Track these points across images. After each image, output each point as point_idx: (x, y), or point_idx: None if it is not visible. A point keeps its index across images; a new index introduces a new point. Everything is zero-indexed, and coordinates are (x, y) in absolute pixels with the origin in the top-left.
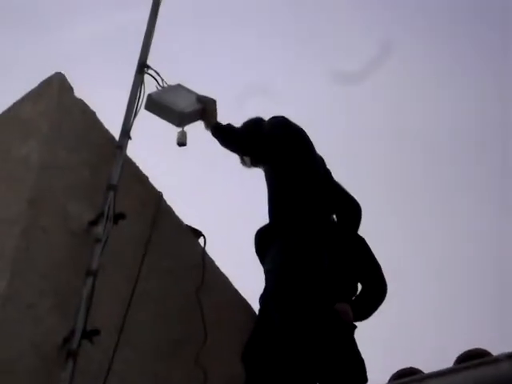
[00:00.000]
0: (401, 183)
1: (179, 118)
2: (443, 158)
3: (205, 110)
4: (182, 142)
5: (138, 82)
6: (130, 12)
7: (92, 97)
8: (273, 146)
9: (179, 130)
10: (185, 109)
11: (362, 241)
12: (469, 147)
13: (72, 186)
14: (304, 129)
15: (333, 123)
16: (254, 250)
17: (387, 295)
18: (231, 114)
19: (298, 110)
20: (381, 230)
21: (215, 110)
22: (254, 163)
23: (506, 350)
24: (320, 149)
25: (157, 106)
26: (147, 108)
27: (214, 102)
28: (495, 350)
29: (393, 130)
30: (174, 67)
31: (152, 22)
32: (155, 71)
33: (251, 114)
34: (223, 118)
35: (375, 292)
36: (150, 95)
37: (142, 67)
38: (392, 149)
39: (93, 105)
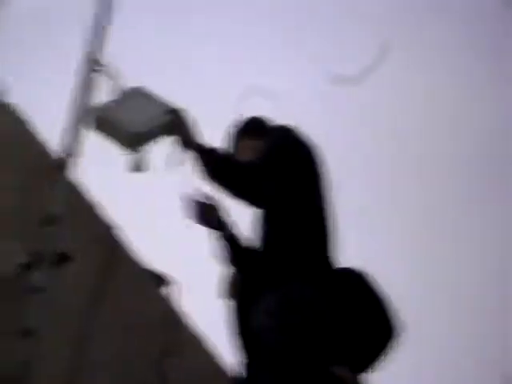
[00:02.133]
0: (401, 184)
1: (131, 141)
2: (443, 160)
3: (179, 123)
4: (137, 168)
5: (83, 82)
6: None
7: (24, 99)
8: (267, 185)
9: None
10: (139, 127)
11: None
12: (468, 148)
13: None
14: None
15: (332, 124)
16: None
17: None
18: (230, 114)
19: (297, 112)
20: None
21: (195, 128)
22: None
23: None
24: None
25: (102, 123)
26: (91, 126)
27: (187, 114)
28: None
29: (392, 130)
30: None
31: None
32: (108, 68)
33: (250, 114)
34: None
35: (380, 335)
36: (93, 109)
37: (90, 63)
38: (392, 149)
39: (26, 110)
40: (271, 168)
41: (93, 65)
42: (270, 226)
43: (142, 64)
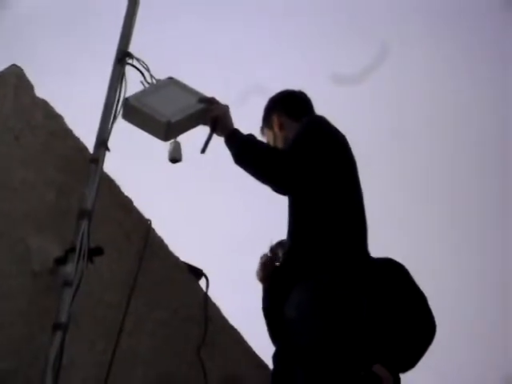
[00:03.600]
0: (401, 183)
1: (165, 131)
2: (443, 160)
3: (213, 113)
4: (175, 158)
5: (116, 76)
6: None
7: (56, 95)
8: (297, 172)
9: (171, 142)
10: (172, 117)
11: (399, 270)
12: (468, 148)
13: (32, 213)
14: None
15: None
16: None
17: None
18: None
19: None
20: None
21: (228, 114)
22: None
23: None
24: None
25: (137, 114)
26: (125, 117)
27: (225, 105)
28: None
29: (392, 130)
30: (159, 60)
31: None
32: (140, 61)
33: (251, 113)
34: None
35: (421, 332)
36: (127, 100)
37: (123, 56)
38: (392, 150)
39: (58, 106)
40: (302, 154)
41: (124, 58)
42: (300, 214)
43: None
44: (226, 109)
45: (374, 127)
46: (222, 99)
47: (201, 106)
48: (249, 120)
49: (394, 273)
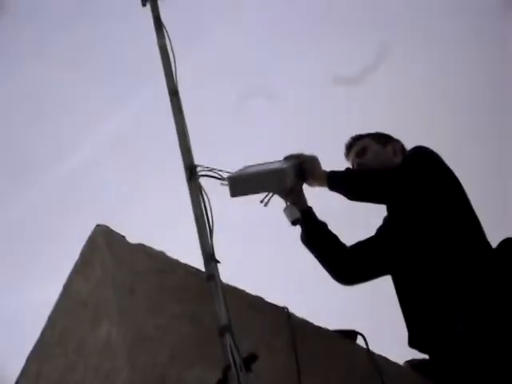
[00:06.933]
0: None
1: (280, 176)
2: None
3: (302, 166)
4: (296, 219)
5: (195, 191)
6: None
7: (141, 227)
8: (412, 182)
9: (284, 208)
10: (283, 166)
11: None
12: (467, 149)
13: (175, 352)
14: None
15: (333, 124)
16: None
17: None
18: (231, 115)
19: (298, 111)
20: None
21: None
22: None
23: None
24: (320, 151)
25: (246, 183)
26: (235, 193)
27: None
28: None
29: (392, 130)
30: None
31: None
32: (208, 168)
33: (251, 114)
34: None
35: None
36: (230, 178)
37: (192, 172)
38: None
39: (152, 241)
40: (413, 173)
41: (194, 173)
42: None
43: None
44: (314, 157)
45: (373, 127)
46: (225, 103)
47: (292, 162)
48: (249, 121)
49: None
